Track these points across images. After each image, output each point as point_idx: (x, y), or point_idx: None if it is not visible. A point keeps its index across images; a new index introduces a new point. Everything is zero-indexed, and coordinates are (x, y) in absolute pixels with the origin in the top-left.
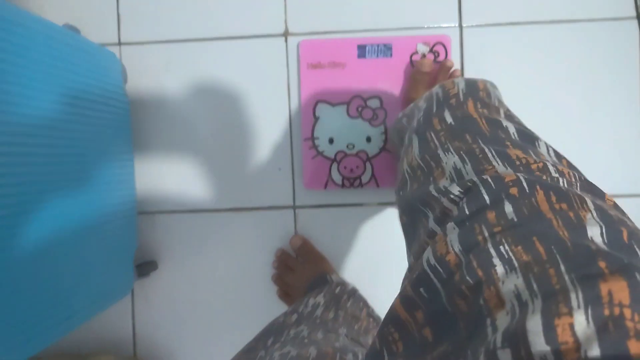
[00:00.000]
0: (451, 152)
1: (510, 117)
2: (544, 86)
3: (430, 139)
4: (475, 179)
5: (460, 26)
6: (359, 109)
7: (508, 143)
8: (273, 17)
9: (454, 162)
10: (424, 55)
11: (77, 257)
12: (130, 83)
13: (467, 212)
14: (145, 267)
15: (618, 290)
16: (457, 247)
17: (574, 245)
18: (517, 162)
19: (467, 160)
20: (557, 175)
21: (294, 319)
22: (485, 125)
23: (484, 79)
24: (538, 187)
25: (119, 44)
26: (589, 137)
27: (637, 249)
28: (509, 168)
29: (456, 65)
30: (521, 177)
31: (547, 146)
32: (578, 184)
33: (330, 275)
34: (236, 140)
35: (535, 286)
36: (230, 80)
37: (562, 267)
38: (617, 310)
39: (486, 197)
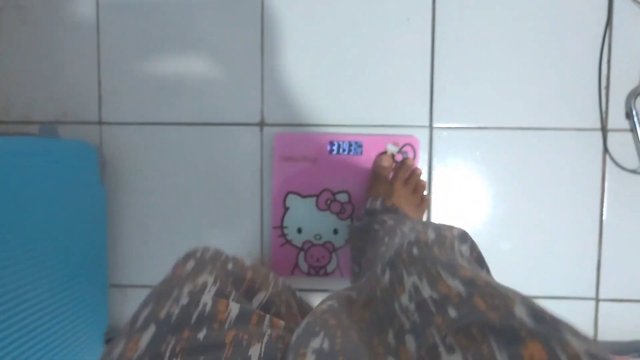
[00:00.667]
0: (413, 274)
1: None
2: (508, 189)
3: (398, 267)
4: (426, 296)
5: (431, 127)
6: (328, 202)
7: (462, 265)
8: (250, 107)
9: (413, 281)
10: (392, 155)
11: (43, 336)
12: (109, 161)
13: (419, 323)
14: None
15: (537, 351)
16: (413, 348)
17: (502, 325)
18: (465, 279)
19: (425, 279)
20: (495, 286)
21: None
22: (444, 255)
23: (456, 229)
24: (476, 295)
25: (100, 123)
26: (548, 240)
27: (560, 327)
28: (458, 282)
29: (424, 164)
30: (463, 291)
31: None
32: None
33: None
34: (209, 223)
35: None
36: (206, 165)
37: (492, 342)
38: None
39: (434, 309)
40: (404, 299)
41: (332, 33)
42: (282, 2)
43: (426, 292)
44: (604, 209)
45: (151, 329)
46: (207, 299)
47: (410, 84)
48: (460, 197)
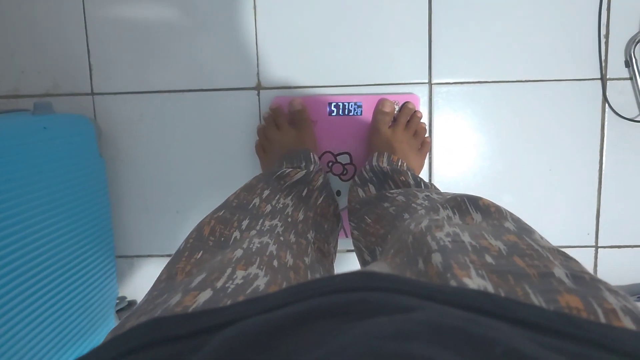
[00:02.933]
0: (455, 227)
1: None
2: (509, 142)
3: (440, 217)
4: (466, 240)
5: (430, 83)
6: (330, 164)
7: (508, 229)
8: (245, 71)
9: (453, 230)
10: (393, 103)
11: (61, 311)
12: (104, 132)
13: (451, 248)
14: (126, 311)
15: (573, 301)
16: (439, 262)
17: (540, 279)
18: (509, 242)
19: (467, 232)
20: (537, 249)
21: (268, 210)
22: (490, 224)
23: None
24: (516, 255)
25: (92, 94)
26: (548, 191)
27: (599, 285)
28: (500, 242)
29: (424, 121)
30: (504, 249)
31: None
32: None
33: (313, 153)
34: (208, 190)
35: (502, 294)
36: (204, 131)
37: (527, 288)
38: (575, 312)
39: (470, 249)
40: (440, 234)
41: None
42: None
43: (466, 238)
44: (604, 158)
45: (208, 292)
46: (260, 282)
47: (408, 41)
48: (462, 152)
